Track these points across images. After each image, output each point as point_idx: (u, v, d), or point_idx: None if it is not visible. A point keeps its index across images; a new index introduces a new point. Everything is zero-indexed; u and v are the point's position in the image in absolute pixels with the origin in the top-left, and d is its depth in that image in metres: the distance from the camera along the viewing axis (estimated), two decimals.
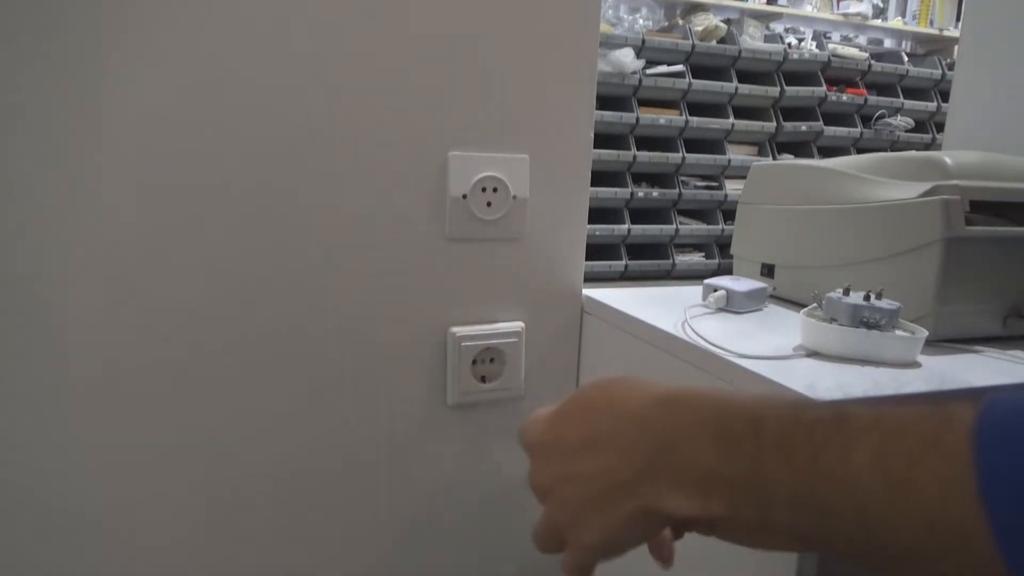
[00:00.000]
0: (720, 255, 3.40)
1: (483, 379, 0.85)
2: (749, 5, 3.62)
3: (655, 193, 3.25)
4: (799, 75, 3.41)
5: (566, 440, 0.41)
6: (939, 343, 0.72)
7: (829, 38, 3.71)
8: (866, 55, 3.54)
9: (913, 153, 0.88)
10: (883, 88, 3.62)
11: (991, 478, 0.27)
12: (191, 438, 0.76)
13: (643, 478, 0.37)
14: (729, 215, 3.31)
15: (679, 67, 3.18)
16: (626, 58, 2.97)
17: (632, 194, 3.19)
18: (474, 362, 0.84)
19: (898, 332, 0.68)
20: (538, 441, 0.43)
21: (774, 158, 3.40)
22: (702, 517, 0.36)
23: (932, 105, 3.67)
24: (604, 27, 3.04)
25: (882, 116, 3.59)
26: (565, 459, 0.41)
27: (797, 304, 0.85)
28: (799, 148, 3.53)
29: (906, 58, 3.67)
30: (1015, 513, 0.26)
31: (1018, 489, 0.26)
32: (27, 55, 0.64)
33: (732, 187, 3.34)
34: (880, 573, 0.32)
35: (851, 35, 3.97)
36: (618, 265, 3.24)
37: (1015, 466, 0.26)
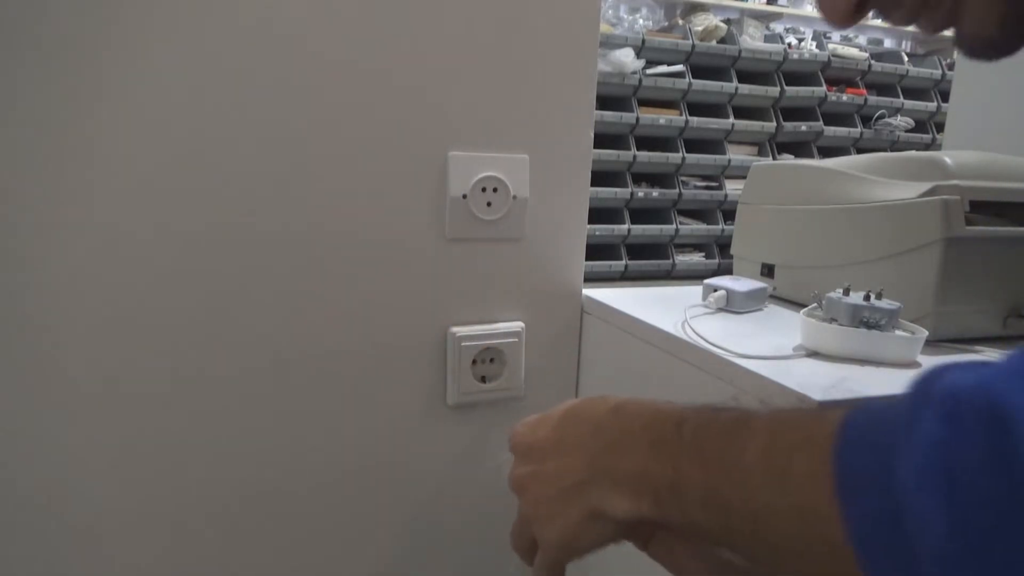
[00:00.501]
0: (720, 255, 3.40)
1: (483, 379, 0.85)
2: (749, 5, 3.62)
3: (655, 193, 3.25)
4: (799, 75, 3.42)
5: (540, 442, 0.44)
6: (939, 343, 0.72)
7: (829, 38, 3.71)
8: (866, 55, 3.54)
9: (913, 153, 0.88)
10: (883, 88, 3.62)
11: (845, 475, 0.29)
12: (191, 440, 0.76)
13: (592, 479, 0.40)
14: (729, 215, 3.31)
15: (679, 67, 3.18)
16: (626, 58, 2.97)
17: (632, 194, 3.19)
18: (474, 362, 0.84)
19: (898, 332, 0.68)
20: (519, 442, 0.46)
21: (774, 158, 3.40)
22: (637, 518, 0.38)
23: (932, 105, 3.67)
24: (604, 27, 3.04)
25: (882, 116, 3.59)
26: (536, 459, 0.44)
27: (797, 304, 0.85)
28: (799, 148, 3.53)
29: (906, 58, 3.67)
30: (862, 509, 0.28)
31: (866, 490, 0.28)
32: (27, 57, 0.64)
33: (732, 187, 3.34)
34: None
35: (851, 35, 3.96)
36: (618, 265, 3.24)
37: (866, 466, 0.28)
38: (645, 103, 3.19)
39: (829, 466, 0.29)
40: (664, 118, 3.19)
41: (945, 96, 3.55)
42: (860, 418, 0.30)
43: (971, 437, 0.26)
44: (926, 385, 0.29)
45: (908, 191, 0.74)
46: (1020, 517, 0.24)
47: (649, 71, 3.11)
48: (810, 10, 3.80)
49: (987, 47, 0.36)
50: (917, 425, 0.27)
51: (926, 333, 0.67)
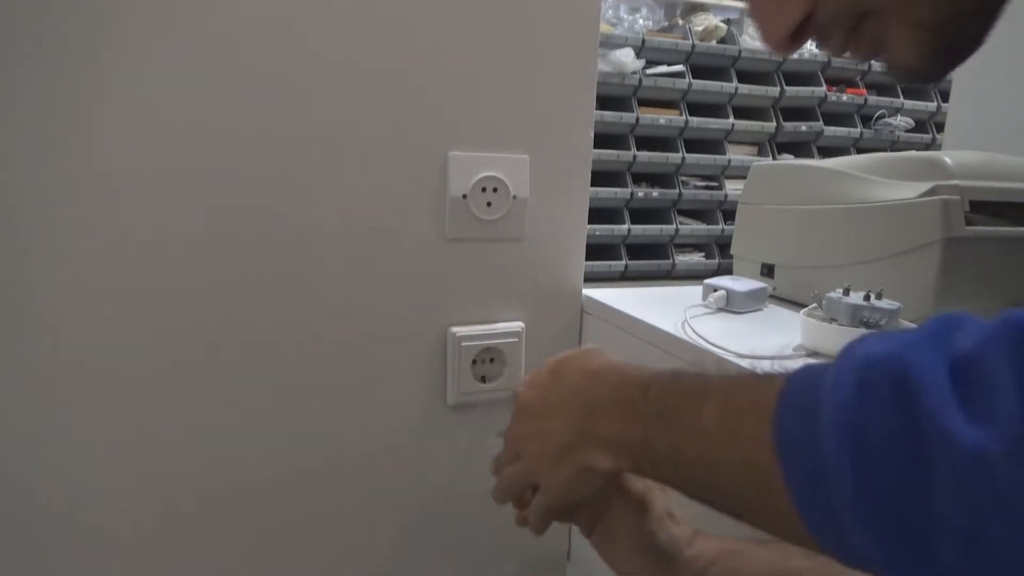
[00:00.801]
0: (720, 255, 3.40)
1: (483, 379, 0.85)
2: None
3: (655, 193, 3.24)
4: (799, 75, 3.41)
5: (530, 405, 0.52)
6: None
7: None
8: None
9: (913, 153, 0.88)
10: (883, 88, 3.62)
11: (783, 438, 0.32)
12: (190, 439, 0.76)
13: (578, 441, 0.47)
14: (729, 215, 3.31)
15: (679, 67, 3.18)
16: (626, 58, 2.97)
17: (632, 194, 3.18)
18: (474, 362, 0.84)
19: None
20: (517, 404, 0.53)
21: (774, 158, 3.40)
22: (618, 470, 0.46)
23: (932, 105, 3.67)
24: (604, 27, 3.04)
25: (882, 116, 3.59)
26: (529, 421, 0.51)
27: (797, 304, 0.85)
28: (799, 148, 3.53)
29: None
30: (797, 470, 0.31)
31: (799, 451, 0.31)
32: (28, 56, 0.64)
33: (732, 187, 3.34)
34: None
35: None
36: (618, 265, 3.24)
37: (798, 428, 0.31)
38: (645, 103, 3.18)
39: (769, 429, 0.32)
40: (664, 118, 3.19)
41: (945, 96, 3.55)
42: (797, 383, 0.33)
43: (880, 404, 0.28)
44: (849, 352, 0.31)
45: (908, 191, 0.74)
46: (922, 479, 0.26)
47: (649, 71, 3.11)
48: None
49: (912, 75, 0.39)
50: (836, 389, 0.30)
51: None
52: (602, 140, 3.01)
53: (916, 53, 0.36)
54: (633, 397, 0.43)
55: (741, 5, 3.55)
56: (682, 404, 0.39)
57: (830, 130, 3.49)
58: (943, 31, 0.36)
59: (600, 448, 0.45)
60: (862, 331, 0.67)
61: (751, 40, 3.29)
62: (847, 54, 0.40)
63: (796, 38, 0.39)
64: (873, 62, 0.39)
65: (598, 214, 3.02)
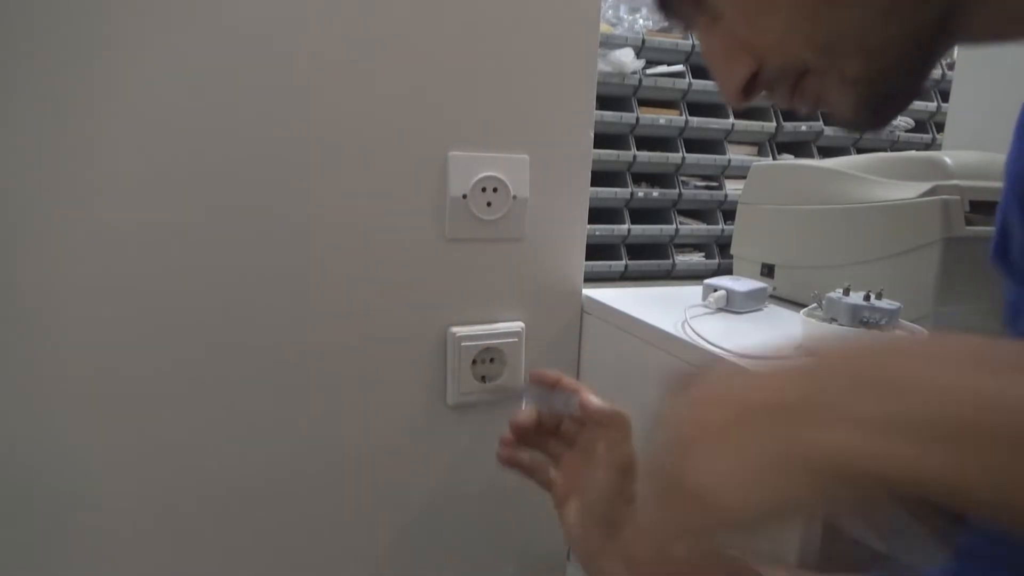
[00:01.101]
0: (720, 255, 3.39)
1: (483, 379, 0.85)
2: None
3: (655, 193, 3.24)
4: None
5: (732, 388, 0.34)
6: None
7: None
8: None
9: (913, 153, 0.88)
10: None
11: None
12: (191, 439, 0.76)
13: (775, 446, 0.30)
14: (729, 215, 3.30)
15: (679, 67, 3.18)
16: (626, 58, 2.97)
17: (632, 194, 3.18)
18: (474, 362, 0.84)
19: (898, 332, 0.68)
20: (692, 398, 0.36)
21: (774, 158, 3.40)
22: None
23: (932, 105, 3.67)
24: (604, 27, 3.04)
25: None
26: (721, 405, 0.34)
27: (797, 304, 0.85)
28: (799, 148, 3.53)
29: None
30: None
31: None
32: (26, 56, 0.64)
33: (732, 187, 3.33)
34: None
35: None
36: (618, 265, 3.23)
37: None
38: (645, 103, 3.18)
39: None
40: (664, 118, 3.18)
41: (945, 96, 3.55)
42: None
43: None
44: None
45: (908, 191, 0.74)
46: None
47: (649, 71, 3.11)
48: None
49: (852, 126, 0.42)
50: None
51: (926, 333, 0.67)
52: (602, 140, 3.01)
53: (850, 105, 0.40)
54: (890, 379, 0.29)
55: None
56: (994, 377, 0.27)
57: (830, 130, 3.49)
58: (872, 86, 0.38)
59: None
60: (862, 331, 0.67)
61: None
62: (794, 107, 0.43)
63: (747, 92, 0.43)
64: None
65: (598, 214, 3.02)
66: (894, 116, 0.41)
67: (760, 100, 0.43)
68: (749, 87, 0.43)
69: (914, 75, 0.39)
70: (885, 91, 0.39)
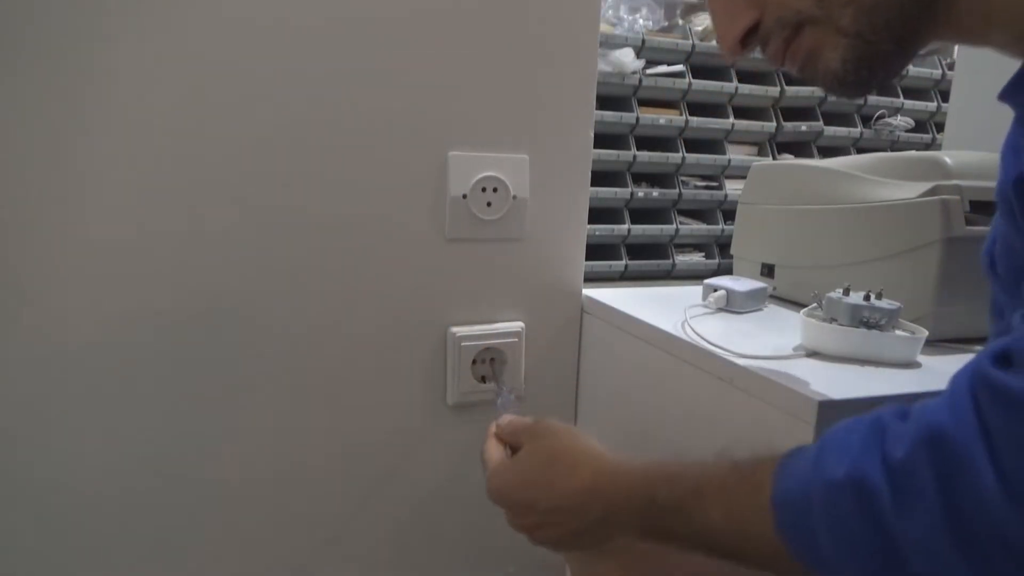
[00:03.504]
0: (720, 255, 3.38)
1: (483, 379, 0.85)
2: None
3: (655, 193, 3.23)
4: None
5: (535, 507, 0.53)
6: (939, 343, 0.72)
7: None
8: None
9: (913, 153, 0.88)
10: (883, 88, 3.61)
11: (780, 516, 0.40)
12: (191, 438, 0.76)
13: (589, 529, 0.51)
14: (729, 215, 3.29)
15: (679, 67, 3.17)
16: (626, 58, 2.96)
17: (632, 194, 3.17)
18: (474, 362, 0.84)
19: (898, 332, 0.68)
20: (511, 501, 0.56)
21: (774, 158, 3.39)
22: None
23: (932, 105, 3.65)
24: (604, 27, 3.03)
25: (882, 116, 3.58)
26: (537, 518, 0.54)
27: (797, 304, 0.85)
28: (799, 148, 3.52)
29: None
30: (791, 532, 0.39)
31: (795, 522, 0.39)
32: (24, 55, 0.64)
33: (732, 187, 3.32)
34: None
35: None
36: (618, 265, 3.22)
37: (796, 516, 0.39)
38: (645, 103, 3.17)
39: (770, 515, 0.40)
40: (664, 118, 3.17)
41: (945, 96, 3.54)
42: (786, 487, 0.40)
43: (842, 501, 0.36)
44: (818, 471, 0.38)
45: (908, 191, 0.74)
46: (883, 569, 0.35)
47: (649, 71, 3.10)
48: None
49: (837, 84, 0.45)
50: (822, 509, 0.37)
51: (926, 333, 0.67)
52: (602, 140, 2.99)
53: (839, 56, 0.43)
54: (647, 511, 0.47)
55: None
56: (692, 506, 0.44)
57: (830, 130, 3.48)
58: (862, 39, 0.43)
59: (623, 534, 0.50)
60: (862, 331, 0.67)
61: None
62: (784, 66, 0.47)
63: (744, 43, 0.47)
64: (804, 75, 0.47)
65: (598, 214, 3.00)
66: (875, 82, 0.46)
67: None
68: (747, 39, 0.46)
69: (902, 43, 0.43)
70: (873, 50, 0.43)
